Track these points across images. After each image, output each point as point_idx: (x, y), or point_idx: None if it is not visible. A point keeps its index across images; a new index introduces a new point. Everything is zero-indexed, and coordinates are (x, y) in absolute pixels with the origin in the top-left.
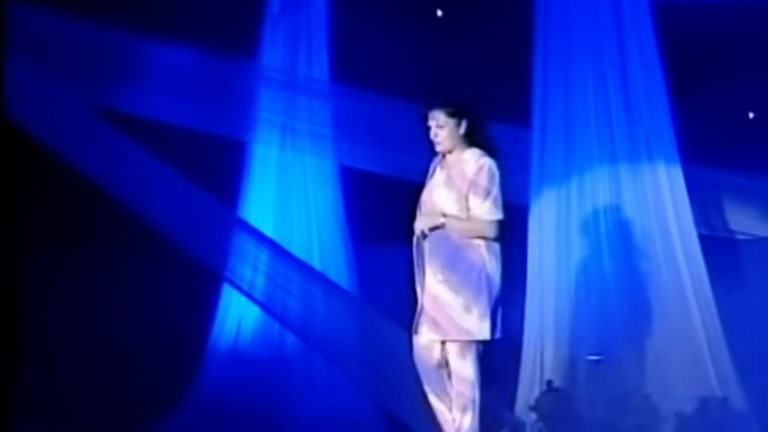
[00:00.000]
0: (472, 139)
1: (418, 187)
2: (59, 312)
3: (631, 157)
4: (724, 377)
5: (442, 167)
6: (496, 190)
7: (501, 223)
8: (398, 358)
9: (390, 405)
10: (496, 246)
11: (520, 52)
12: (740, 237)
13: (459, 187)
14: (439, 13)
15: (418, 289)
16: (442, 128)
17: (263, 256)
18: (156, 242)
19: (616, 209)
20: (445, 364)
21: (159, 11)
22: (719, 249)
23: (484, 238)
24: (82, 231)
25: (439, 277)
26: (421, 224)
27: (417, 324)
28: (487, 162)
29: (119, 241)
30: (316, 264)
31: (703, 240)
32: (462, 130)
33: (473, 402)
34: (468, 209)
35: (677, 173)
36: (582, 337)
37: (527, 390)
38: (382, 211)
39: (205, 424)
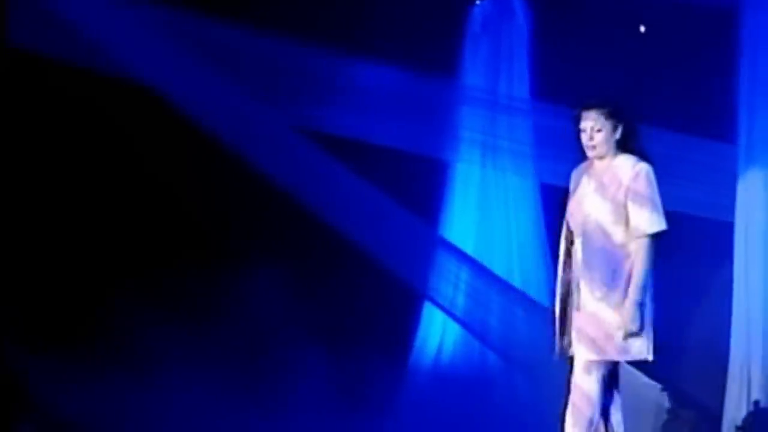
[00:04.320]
0: (625, 145)
1: None
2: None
3: None
4: None
5: (589, 175)
6: (657, 198)
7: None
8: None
9: None
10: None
11: (725, 67)
12: None
13: (614, 196)
14: (642, 29)
15: (560, 308)
16: (599, 132)
17: (464, 275)
18: (359, 260)
19: None
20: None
21: (361, 32)
22: None
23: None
24: (284, 248)
25: (597, 294)
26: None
27: (567, 345)
28: (644, 167)
29: (322, 260)
30: (517, 282)
31: None
32: (617, 134)
33: (591, 422)
34: (626, 219)
35: None
36: None
37: (734, 410)
38: None
39: None
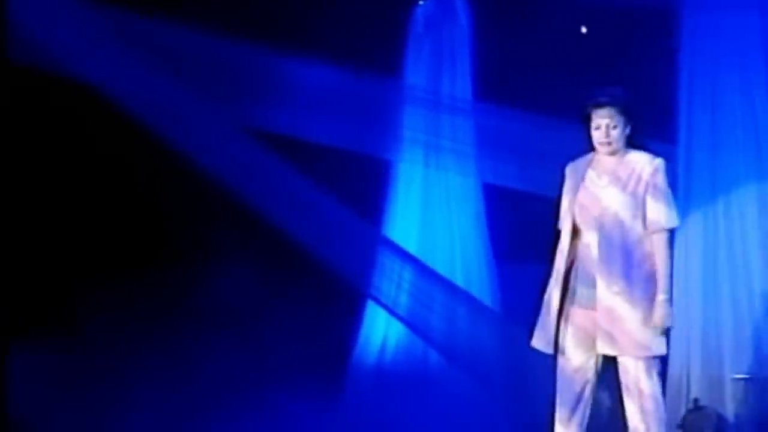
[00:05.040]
0: (631, 141)
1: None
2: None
3: None
4: None
5: (594, 169)
6: (670, 194)
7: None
8: (542, 377)
9: (533, 424)
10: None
11: (666, 69)
12: None
13: (634, 190)
14: (584, 30)
15: (557, 303)
16: (615, 128)
17: (407, 274)
18: (301, 259)
19: (764, 228)
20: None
21: (304, 31)
22: None
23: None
24: (229, 247)
25: (615, 288)
26: (658, 320)
27: (568, 340)
28: (662, 162)
29: (264, 257)
30: (459, 281)
31: None
32: (628, 130)
33: (661, 420)
34: (644, 213)
35: None
36: (729, 356)
37: (674, 409)
38: (524, 228)
39: None
